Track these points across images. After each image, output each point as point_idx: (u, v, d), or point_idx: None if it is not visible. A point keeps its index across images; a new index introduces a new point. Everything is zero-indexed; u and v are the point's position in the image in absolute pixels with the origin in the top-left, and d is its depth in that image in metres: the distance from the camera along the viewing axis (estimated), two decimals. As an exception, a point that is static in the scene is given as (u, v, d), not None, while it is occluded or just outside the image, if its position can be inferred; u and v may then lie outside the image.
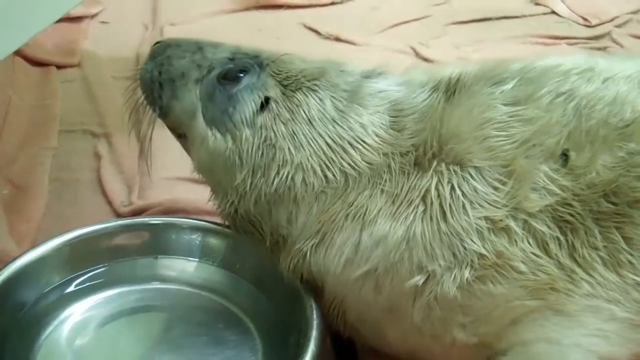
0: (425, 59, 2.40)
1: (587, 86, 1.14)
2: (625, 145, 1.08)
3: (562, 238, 1.05)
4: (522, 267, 1.04)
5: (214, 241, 1.29)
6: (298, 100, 1.17)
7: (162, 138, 1.75)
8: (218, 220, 1.43)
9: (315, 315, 1.14)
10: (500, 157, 1.08)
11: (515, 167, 1.07)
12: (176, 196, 1.63)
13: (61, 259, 1.27)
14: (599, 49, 2.64)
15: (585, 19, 2.84)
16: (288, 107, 1.16)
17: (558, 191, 1.05)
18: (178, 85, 1.23)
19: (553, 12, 2.90)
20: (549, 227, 1.05)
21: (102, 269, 1.29)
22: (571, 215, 1.05)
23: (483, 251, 1.04)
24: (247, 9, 2.67)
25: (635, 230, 1.05)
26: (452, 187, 1.07)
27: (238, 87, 1.18)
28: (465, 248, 1.05)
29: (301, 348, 1.09)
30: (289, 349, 1.15)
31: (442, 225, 1.06)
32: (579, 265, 1.05)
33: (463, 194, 1.06)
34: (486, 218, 1.05)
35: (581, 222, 1.05)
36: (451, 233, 1.05)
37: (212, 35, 2.36)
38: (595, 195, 1.06)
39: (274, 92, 1.17)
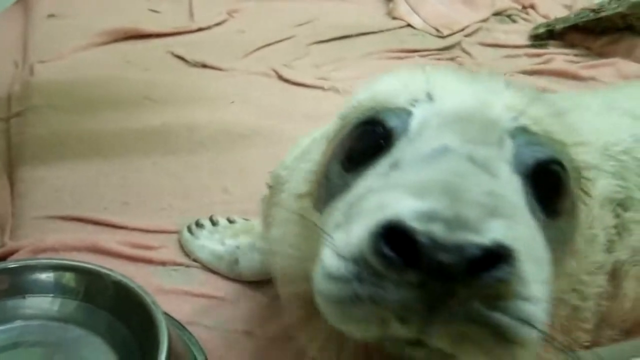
0: (287, 80, 2.53)
1: None
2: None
3: None
4: None
5: (71, 277, 1.39)
6: None
7: (32, 178, 1.87)
8: (85, 256, 1.56)
9: (165, 339, 1.26)
10: None
11: None
12: (45, 235, 1.71)
13: None
14: (449, 59, 2.84)
15: (437, 30, 3.03)
16: None
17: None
18: None
19: (409, 25, 3.08)
20: None
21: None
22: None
23: None
24: (116, 40, 2.74)
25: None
26: None
27: None
28: None
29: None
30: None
31: None
32: None
33: None
34: None
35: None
36: None
37: (82, 70, 2.48)
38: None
39: None
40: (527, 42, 3.05)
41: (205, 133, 2.14)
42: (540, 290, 0.67)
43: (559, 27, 3.06)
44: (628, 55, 2.91)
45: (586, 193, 0.95)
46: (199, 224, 1.73)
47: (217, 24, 2.96)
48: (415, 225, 0.62)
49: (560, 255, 0.85)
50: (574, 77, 2.74)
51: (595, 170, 1.18)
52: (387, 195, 0.69)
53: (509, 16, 3.29)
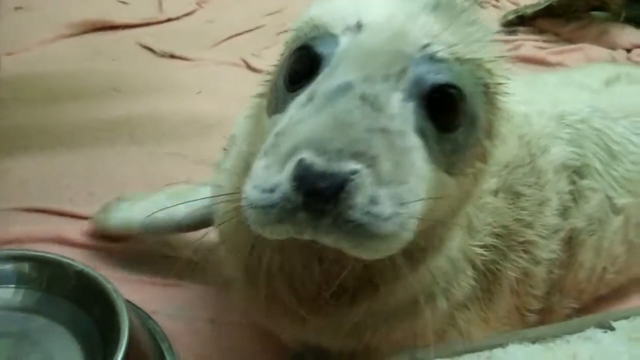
0: (255, 70, 2.53)
1: None
2: (513, 186, 1.25)
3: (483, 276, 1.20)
4: None
5: (33, 267, 1.40)
6: None
7: (-3, 170, 1.87)
8: (51, 247, 1.56)
9: (126, 327, 1.27)
10: None
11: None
12: (10, 227, 1.71)
13: None
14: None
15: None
16: None
17: (491, 229, 1.20)
18: None
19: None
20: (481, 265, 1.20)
21: None
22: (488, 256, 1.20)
23: None
24: (84, 32, 2.73)
25: (505, 273, 1.24)
26: None
27: None
28: None
29: (113, 358, 1.23)
30: (108, 356, 1.28)
31: None
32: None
33: None
34: None
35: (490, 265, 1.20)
36: None
37: (50, 62, 2.47)
38: (500, 237, 1.22)
39: None
40: (497, 29, 3.05)
41: (171, 123, 2.15)
42: (393, 204, 0.84)
43: (529, 11, 3.07)
44: (597, 40, 2.95)
45: (497, 107, 1.03)
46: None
47: (186, 14, 2.96)
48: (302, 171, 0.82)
49: (459, 159, 0.96)
50: (542, 62, 2.77)
51: (549, 138, 1.22)
52: (295, 139, 0.85)
53: (478, 3, 3.29)
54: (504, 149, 1.17)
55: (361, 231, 0.82)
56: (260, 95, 1.11)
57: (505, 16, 3.10)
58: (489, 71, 1.01)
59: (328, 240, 0.84)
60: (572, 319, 1.26)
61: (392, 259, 0.90)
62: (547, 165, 1.30)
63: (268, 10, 3.04)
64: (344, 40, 0.95)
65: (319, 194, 0.81)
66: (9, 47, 2.56)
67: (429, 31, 0.95)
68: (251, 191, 0.86)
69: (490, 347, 0.89)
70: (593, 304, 1.50)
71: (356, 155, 0.82)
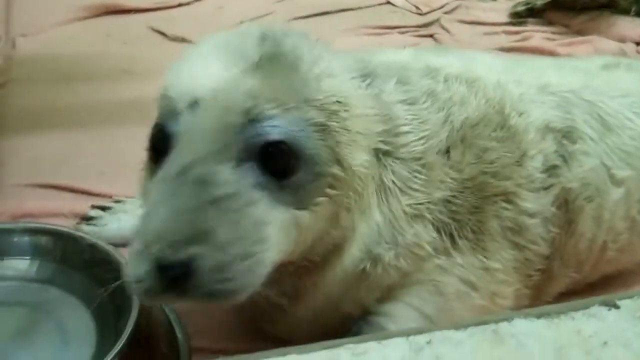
0: (266, 55, 2.55)
1: (439, 86, 1.32)
2: (476, 142, 1.28)
3: (451, 227, 1.25)
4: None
5: (48, 240, 1.43)
6: None
7: (11, 147, 1.90)
8: (63, 222, 1.59)
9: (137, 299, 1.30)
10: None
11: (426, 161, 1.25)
12: (23, 202, 1.74)
13: None
14: (428, 36, 2.86)
15: (417, 7, 3.05)
16: None
17: (450, 184, 1.25)
18: None
19: (388, 2, 3.10)
20: (444, 216, 1.25)
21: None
22: (457, 207, 1.26)
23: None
24: (97, 15, 2.76)
25: (489, 222, 1.27)
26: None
27: None
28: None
29: (124, 328, 1.25)
30: (119, 330, 1.31)
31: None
32: (457, 250, 1.26)
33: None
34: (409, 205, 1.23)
35: (461, 215, 1.26)
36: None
37: (63, 44, 2.50)
38: (468, 190, 1.26)
39: None
40: (506, 20, 3.07)
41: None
42: (236, 264, 1.00)
43: (539, 3, 3.08)
44: (606, 33, 2.95)
45: (337, 135, 1.11)
46: (100, 209, 1.72)
47: (198, 0, 2.96)
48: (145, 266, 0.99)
49: (306, 195, 1.08)
50: (551, 54, 2.77)
51: (528, 102, 1.36)
52: (149, 231, 1.00)
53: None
54: (461, 110, 1.28)
55: (215, 295, 1.00)
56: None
57: (514, 7, 3.10)
58: (319, 108, 1.10)
59: (195, 302, 1.04)
60: (575, 298, 1.27)
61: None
62: (526, 126, 1.34)
63: (278, -3, 3.05)
64: (184, 120, 1.05)
65: (175, 280, 0.97)
66: (24, 28, 2.59)
67: (251, 93, 1.05)
68: (129, 278, 1.02)
69: (496, 321, 0.91)
70: (599, 288, 1.53)
71: (193, 239, 0.97)
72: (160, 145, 1.08)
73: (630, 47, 2.83)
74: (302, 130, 1.07)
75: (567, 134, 1.39)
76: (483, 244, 1.28)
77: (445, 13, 3.04)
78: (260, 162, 1.05)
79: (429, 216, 1.24)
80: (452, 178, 1.25)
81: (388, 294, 1.27)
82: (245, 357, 0.90)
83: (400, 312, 1.27)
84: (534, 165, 1.33)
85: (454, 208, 1.25)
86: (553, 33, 2.98)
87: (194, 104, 1.05)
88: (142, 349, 1.27)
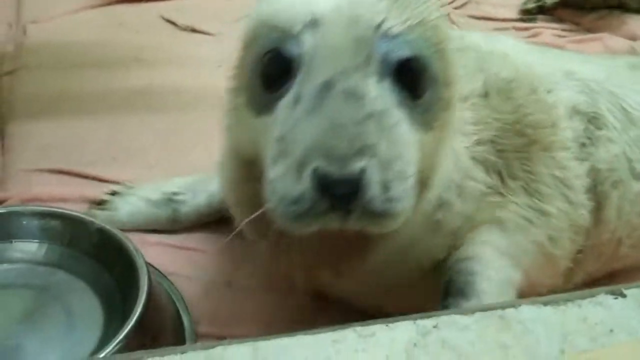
0: (277, 46, 2.56)
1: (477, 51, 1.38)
2: (512, 95, 1.32)
3: (499, 166, 1.28)
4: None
5: (57, 224, 1.44)
6: None
7: (21, 133, 1.91)
8: (73, 207, 1.59)
9: (145, 284, 1.31)
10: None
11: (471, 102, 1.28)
12: (32, 186, 1.75)
13: None
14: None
15: (427, 2, 3.04)
16: None
17: (494, 124, 1.28)
18: None
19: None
20: (493, 156, 1.28)
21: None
22: (502, 147, 1.28)
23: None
24: (110, 3, 2.75)
25: (537, 167, 1.30)
26: None
27: None
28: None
29: (131, 312, 1.27)
30: (126, 314, 1.32)
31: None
32: (509, 190, 1.29)
33: None
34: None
35: (507, 154, 1.28)
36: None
37: (74, 31, 2.50)
38: (510, 132, 1.29)
39: None
40: (516, 17, 3.06)
41: (190, 95, 2.17)
42: (398, 183, 0.96)
43: (549, 2, 3.08)
44: (616, 31, 2.94)
45: (448, 57, 1.11)
46: (111, 194, 1.71)
47: (209, -10, 2.96)
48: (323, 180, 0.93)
49: (430, 117, 1.06)
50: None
51: (554, 84, 1.39)
52: (301, 147, 0.95)
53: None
54: (496, 68, 1.33)
55: (382, 215, 0.96)
56: (233, 91, 1.17)
57: (525, 3, 3.10)
58: (435, 28, 1.08)
59: (355, 227, 0.99)
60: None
61: None
62: (554, 102, 1.37)
63: (289, -13, 3.03)
64: (307, 39, 1.01)
65: (341, 198, 0.93)
66: (35, 15, 2.59)
67: (378, 9, 1.02)
68: (278, 204, 0.97)
69: (503, 307, 0.92)
70: (604, 283, 1.53)
71: (359, 152, 0.93)
72: (275, 70, 1.04)
73: (640, 46, 2.82)
74: (428, 49, 1.06)
75: (593, 119, 1.41)
76: (536, 185, 1.31)
77: (455, 8, 3.03)
78: (396, 78, 1.02)
79: (481, 156, 1.27)
80: (494, 118, 1.28)
81: (456, 241, 1.28)
82: (253, 340, 0.89)
83: (479, 252, 1.28)
84: (566, 135, 1.35)
85: (499, 147, 1.28)
86: (563, 30, 2.97)
87: (314, 23, 1.01)
88: (148, 333, 1.28)
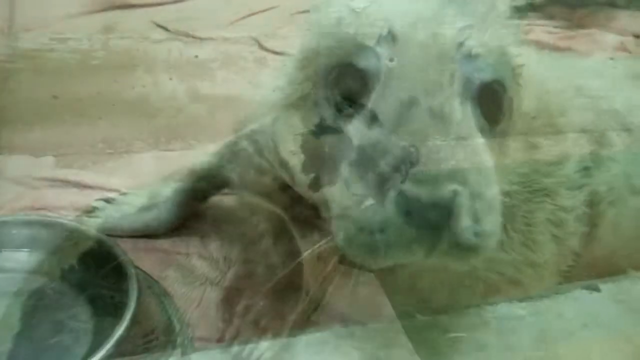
0: (269, 50, 2.57)
1: None
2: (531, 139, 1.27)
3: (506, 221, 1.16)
4: None
5: (46, 232, 1.45)
6: None
7: (11, 139, 1.91)
8: (64, 214, 1.60)
9: (135, 292, 1.31)
10: None
11: None
12: (24, 195, 1.76)
13: None
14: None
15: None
16: None
17: (513, 179, 1.21)
18: None
19: None
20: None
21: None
22: (514, 202, 1.20)
23: None
24: (103, 9, 2.77)
25: (535, 217, 1.26)
26: None
27: None
28: None
29: (122, 319, 1.28)
30: (116, 321, 1.32)
31: None
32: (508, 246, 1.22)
33: None
34: None
35: (515, 210, 1.23)
36: None
37: (68, 37, 2.51)
38: (523, 185, 1.26)
39: None
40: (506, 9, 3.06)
41: (185, 100, 2.18)
42: (489, 216, 0.88)
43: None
44: (606, 26, 2.94)
45: (519, 82, 1.05)
46: (103, 201, 1.70)
47: (202, -5, 2.98)
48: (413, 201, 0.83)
49: (502, 143, 1.00)
50: (552, 47, 2.77)
51: (566, 102, 1.34)
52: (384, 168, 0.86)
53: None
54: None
55: (471, 250, 0.87)
56: (284, 107, 1.10)
57: (515, 0, 3.09)
58: (509, 53, 1.03)
59: (439, 260, 0.89)
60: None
61: None
62: (567, 126, 1.34)
63: (281, -9, 3.05)
64: (384, 52, 0.95)
65: (429, 225, 0.84)
66: (29, 22, 2.60)
67: (460, 26, 0.96)
68: (356, 234, 0.87)
69: (480, 305, 0.93)
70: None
71: (450, 176, 0.85)
72: (348, 85, 0.97)
73: (629, 41, 2.83)
74: (506, 73, 1.01)
75: (598, 139, 1.39)
76: (533, 237, 1.25)
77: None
78: (476, 102, 0.95)
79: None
80: (514, 171, 1.22)
81: None
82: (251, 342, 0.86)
83: None
84: (571, 166, 1.32)
85: (510, 203, 1.20)
86: (554, 27, 2.98)
87: (393, 36, 0.95)
88: (138, 340, 1.29)
